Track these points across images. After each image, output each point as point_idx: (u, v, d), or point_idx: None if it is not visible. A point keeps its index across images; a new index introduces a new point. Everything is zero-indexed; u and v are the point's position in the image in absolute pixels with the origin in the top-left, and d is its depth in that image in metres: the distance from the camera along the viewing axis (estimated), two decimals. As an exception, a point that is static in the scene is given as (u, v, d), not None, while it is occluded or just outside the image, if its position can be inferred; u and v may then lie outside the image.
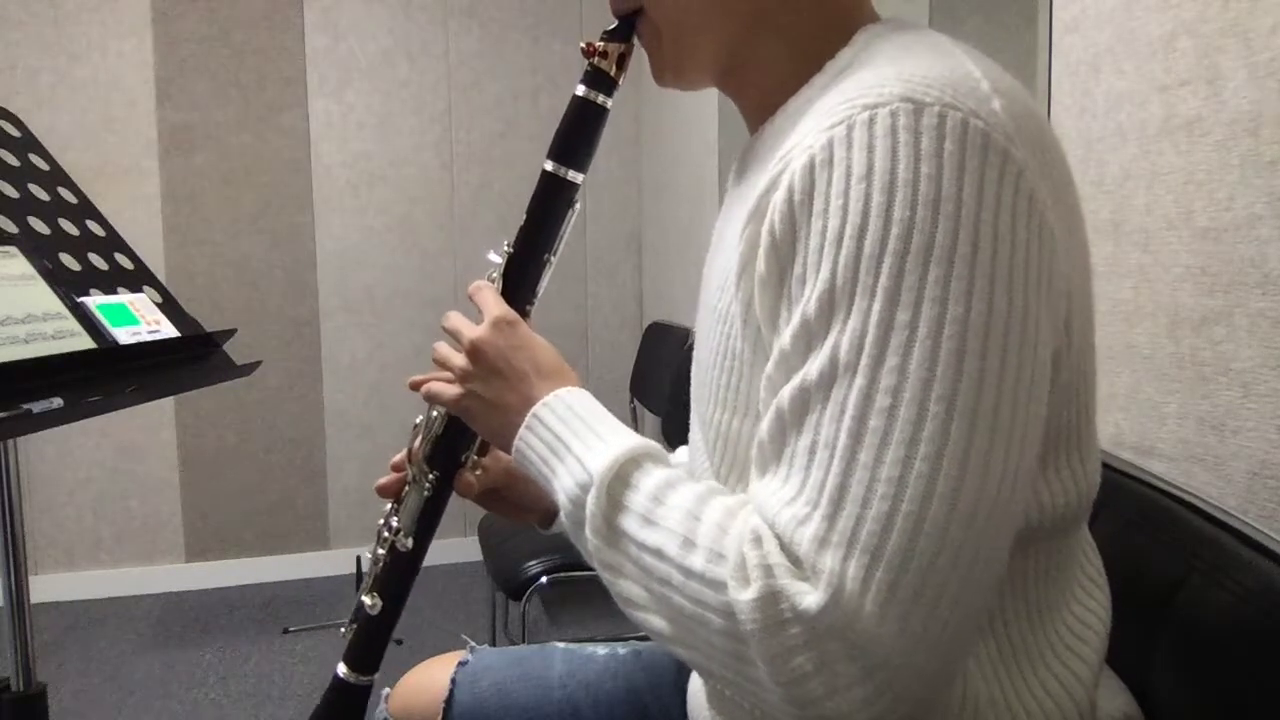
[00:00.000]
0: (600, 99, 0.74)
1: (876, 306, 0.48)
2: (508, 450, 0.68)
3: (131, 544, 3.04)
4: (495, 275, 0.78)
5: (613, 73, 0.73)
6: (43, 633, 2.66)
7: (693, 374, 0.72)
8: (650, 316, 3.23)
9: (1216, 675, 0.66)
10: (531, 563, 1.85)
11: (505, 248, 0.78)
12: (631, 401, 2.94)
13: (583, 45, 0.73)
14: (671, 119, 2.91)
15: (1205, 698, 0.67)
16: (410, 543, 0.80)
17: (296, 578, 3.08)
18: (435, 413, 0.79)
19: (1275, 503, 0.82)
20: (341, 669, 0.82)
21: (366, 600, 0.81)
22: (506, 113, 3.20)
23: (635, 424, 2.87)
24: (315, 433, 3.15)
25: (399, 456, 0.83)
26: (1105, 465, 0.66)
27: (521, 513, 0.88)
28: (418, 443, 0.80)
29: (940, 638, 0.47)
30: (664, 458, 0.61)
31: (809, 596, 0.47)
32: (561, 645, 0.98)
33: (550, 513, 0.64)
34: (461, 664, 0.96)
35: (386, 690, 1.00)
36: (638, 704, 0.90)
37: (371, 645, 0.82)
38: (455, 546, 3.23)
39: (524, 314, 0.76)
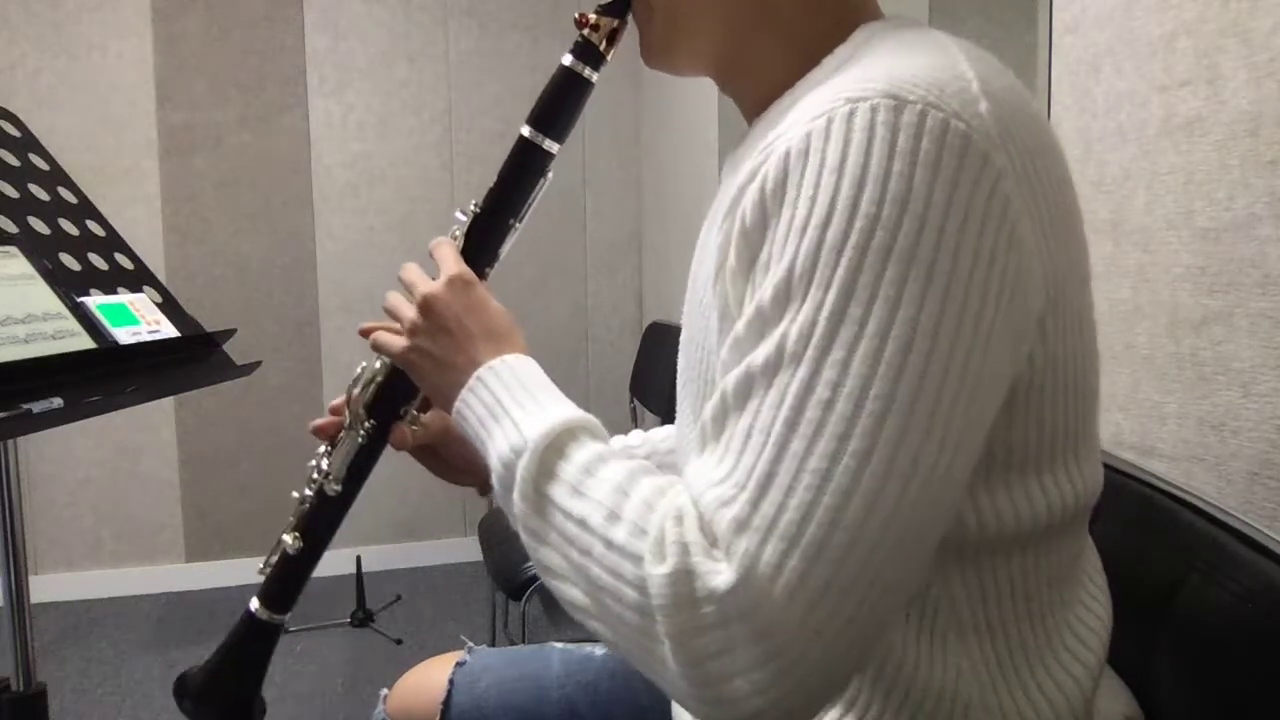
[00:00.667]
0: (586, 72, 0.72)
1: (830, 299, 0.48)
2: (447, 409, 0.67)
3: (131, 544, 3.04)
4: (458, 234, 0.76)
5: (602, 47, 0.72)
6: (43, 633, 2.66)
7: (679, 366, 0.72)
8: (650, 316, 3.23)
9: (1216, 675, 0.66)
10: (531, 563, 1.84)
11: (472, 207, 0.77)
12: (631, 401, 2.94)
13: (576, 16, 0.72)
14: (671, 119, 2.91)
15: (1205, 698, 0.67)
16: (339, 488, 0.80)
17: (296, 578, 3.08)
18: (379, 362, 0.78)
19: (1275, 503, 0.82)
20: (254, 604, 0.82)
21: (288, 539, 0.81)
22: (506, 113, 3.20)
23: (635, 424, 2.87)
24: (315, 433, 3.14)
25: (338, 400, 0.81)
26: (1105, 465, 0.66)
27: (456, 474, 0.87)
28: (358, 390, 0.79)
29: (843, 632, 0.47)
30: (602, 433, 0.61)
31: (720, 576, 0.47)
32: (560, 645, 0.98)
33: (487, 478, 0.63)
34: (460, 664, 0.96)
35: (385, 691, 1.00)
36: (635, 704, 0.90)
37: (287, 585, 0.82)
38: (455, 546, 3.23)
39: (482, 276, 0.75)
